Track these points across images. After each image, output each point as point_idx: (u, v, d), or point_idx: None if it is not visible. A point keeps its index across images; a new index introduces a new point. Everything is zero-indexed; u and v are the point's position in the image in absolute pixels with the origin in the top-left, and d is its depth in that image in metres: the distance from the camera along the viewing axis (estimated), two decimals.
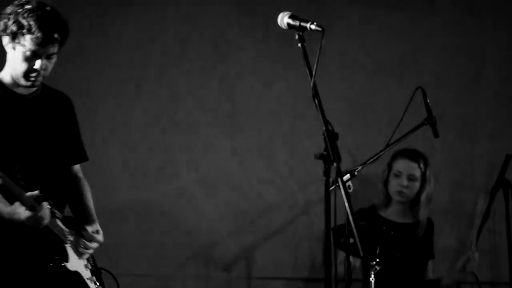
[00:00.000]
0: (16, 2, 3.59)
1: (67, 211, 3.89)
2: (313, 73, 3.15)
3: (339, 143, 3.13)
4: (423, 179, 5.03)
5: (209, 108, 5.58)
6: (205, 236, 5.53)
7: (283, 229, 5.57)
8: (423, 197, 5.03)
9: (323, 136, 3.12)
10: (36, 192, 3.48)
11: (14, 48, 3.57)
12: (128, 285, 4.88)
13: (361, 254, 3.08)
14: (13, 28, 3.53)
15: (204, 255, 5.53)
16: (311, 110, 4.08)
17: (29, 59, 3.56)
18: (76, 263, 3.73)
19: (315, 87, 3.15)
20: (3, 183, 3.38)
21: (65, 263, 3.67)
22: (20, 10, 3.54)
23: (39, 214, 3.49)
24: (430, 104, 4.51)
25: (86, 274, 3.78)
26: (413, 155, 5.05)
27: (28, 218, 3.48)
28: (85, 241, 3.78)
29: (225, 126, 5.58)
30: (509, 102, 5.66)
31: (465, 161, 5.65)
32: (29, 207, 3.47)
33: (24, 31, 3.51)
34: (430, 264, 5.13)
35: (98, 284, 3.84)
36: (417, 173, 5.03)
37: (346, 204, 3.08)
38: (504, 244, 5.36)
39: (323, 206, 3.15)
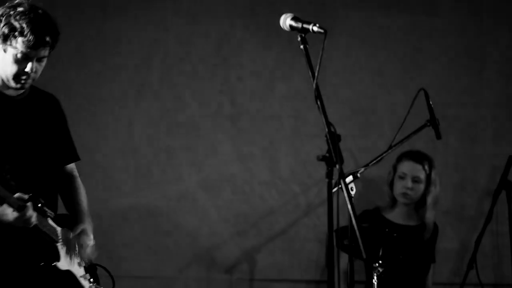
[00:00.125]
0: (7, 4, 3.57)
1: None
2: (316, 75, 3.15)
3: (341, 145, 3.13)
4: (428, 181, 5.02)
5: (212, 111, 5.58)
6: (207, 239, 5.53)
7: (285, 231, 5.56)
8: (429, 199, 5.02)
9: (325, 138, 3.12)
10: (19, 193, 3.47)
11: (5, 50, 3.54)
12: None
13: (364, 256, 3.08)
14: (5, 30, 3.50)
15: (206, 258, 5.52)
16: (313, 112, 4.10)
17: (20, 61, 3.54)
18: (68, 262, 3.72)
19: (317, 88, 3.15)
20: None
21: (56, 262, 3.66)
22: (12, 12, 3.52)
23: (27, 215, 3.49)
24: (432, 105, 4.51)
25: (79, 272, 3.77)
26: (418, 157, 5.04)
27: (16, 219, 3.47)
28: (77, 241, 3.78)
29: (228, 129, 5.58)
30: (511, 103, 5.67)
31: (467, 163, 5.64)
32: (16, 208, 3.46)
33: (16, 33, 3.49)
34: (432, 268, 5.13)
35: (92, 280, 3.84)
36: (422, 175, 5.02)
37: (349, 206, 3.09)
38: (507, 246, 5.37)
39: (325, 208, 3.15)
